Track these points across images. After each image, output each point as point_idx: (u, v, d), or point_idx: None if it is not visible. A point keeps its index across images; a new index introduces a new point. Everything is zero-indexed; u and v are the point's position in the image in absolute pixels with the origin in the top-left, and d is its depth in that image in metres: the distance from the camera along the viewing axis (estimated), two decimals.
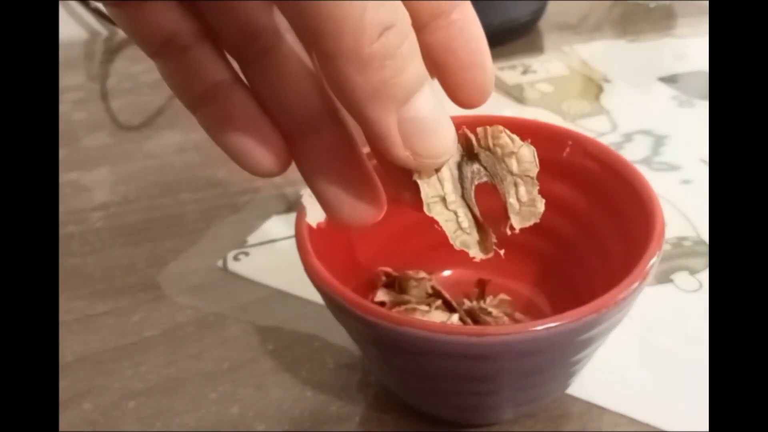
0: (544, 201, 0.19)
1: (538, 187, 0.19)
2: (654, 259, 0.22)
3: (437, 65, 0.18)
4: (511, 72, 0.50)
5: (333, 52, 0.14)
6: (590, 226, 0.27)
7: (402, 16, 0.15)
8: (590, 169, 0.27)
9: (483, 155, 0.19)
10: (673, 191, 0.37)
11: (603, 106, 0.45)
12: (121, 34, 0.60)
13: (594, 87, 0.48)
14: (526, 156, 0.19)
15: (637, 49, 0.53)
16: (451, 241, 0.19)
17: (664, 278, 0.31)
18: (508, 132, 0.19)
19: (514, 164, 0.19)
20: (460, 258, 0.30)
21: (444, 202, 0.19)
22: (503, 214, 0.19)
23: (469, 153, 0.19)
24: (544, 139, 0.25)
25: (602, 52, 0.53)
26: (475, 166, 0.19)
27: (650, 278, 0.21)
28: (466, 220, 0.19)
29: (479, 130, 0.19)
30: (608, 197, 0.26)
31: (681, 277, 0.31)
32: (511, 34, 0.53)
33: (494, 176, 0.19)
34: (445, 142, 0.17)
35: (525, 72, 0.50)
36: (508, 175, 0.19)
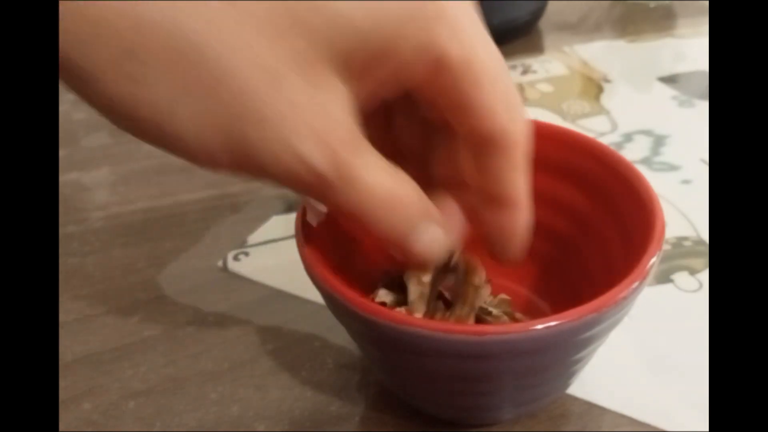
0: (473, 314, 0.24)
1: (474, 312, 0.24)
2: (654, 259, 0.22)
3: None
4: (511, 72, 0.50)
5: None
6: (590, 226, 0.27)
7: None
8: (590, 169, 0.27)
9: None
10: (673, 191, 0.37)
11: (603, 106, 0.45)
12: None
13: (594, 87, 0.48)
14: (483, 296, 0.25)
15: (637, 49, 0.53)
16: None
17: (664, 278, 0.31)
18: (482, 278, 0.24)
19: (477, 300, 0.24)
20: None
21: (424, 299, 0.24)
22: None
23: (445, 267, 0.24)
24: (544, 139, 0.25)
25: (602, 52, 0.53)
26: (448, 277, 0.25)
27: (650, 278, 0.21)
28: (438, 312, 0.24)
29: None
30: (608, 197, 0.26)
31: (681, 277, 0.31)
32: (511, 34, 0.53)
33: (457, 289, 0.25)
34: (431, 261, 0.22)
35: (525, 72, 0.50)
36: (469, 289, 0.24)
